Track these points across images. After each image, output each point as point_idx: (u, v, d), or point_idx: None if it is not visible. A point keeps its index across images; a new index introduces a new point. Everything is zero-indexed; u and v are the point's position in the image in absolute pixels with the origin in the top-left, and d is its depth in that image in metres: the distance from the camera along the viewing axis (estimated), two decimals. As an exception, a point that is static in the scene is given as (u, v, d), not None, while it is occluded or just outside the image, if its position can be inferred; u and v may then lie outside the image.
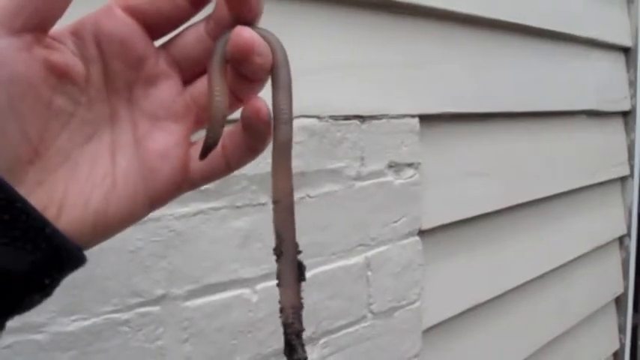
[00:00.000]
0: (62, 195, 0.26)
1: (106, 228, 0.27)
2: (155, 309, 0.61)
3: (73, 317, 0.56)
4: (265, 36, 0.27)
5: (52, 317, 0.54)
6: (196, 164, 0.29)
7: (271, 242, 0.29)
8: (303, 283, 0.28)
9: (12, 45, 0.23)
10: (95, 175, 0.27)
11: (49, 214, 0.25)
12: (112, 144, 0.28)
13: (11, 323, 0.54)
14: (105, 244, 0.28)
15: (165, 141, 0.28)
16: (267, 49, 0.27)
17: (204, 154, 0.27)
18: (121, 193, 0.27)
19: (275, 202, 0.29)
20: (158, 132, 0.28)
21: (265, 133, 0.28)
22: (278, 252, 0.28)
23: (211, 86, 0.27)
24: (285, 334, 0.28)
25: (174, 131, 0.29)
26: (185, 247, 0.64)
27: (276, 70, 0.28)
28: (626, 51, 1.58)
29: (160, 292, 0.62)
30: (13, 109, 0.23)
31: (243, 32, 0.26)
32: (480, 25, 1.05)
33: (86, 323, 0.56)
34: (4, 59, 0.23)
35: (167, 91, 0.28)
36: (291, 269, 0.28)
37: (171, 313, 0.63)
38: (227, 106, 0.27)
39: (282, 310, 0.28)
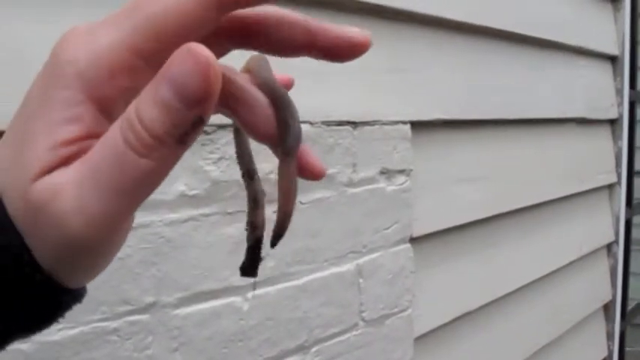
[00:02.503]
0: None
1: None
2: (144, 317, 0.60)
3: (60, 326, 0.54)
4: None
5: (38, 326, 0.53)
6: None
7: (263, 249, 0.29)
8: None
9: None
10: None
11: None
12: None
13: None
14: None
15: None
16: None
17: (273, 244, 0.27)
18: None
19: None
20: None
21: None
22: (254, 174, 0.29)
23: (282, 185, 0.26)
24: (258, 248, 0.29)
25: None
26: (175, 254, 0.62)
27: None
28: (613, 59, 1.59)
29: (149, 299, 0.60)
30: None
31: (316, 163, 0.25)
32: (472, 32, 1.05)
33: (73, 332, 0.55)
34: None
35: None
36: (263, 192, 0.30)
37: (161, 321, 0.61)
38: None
39: (256, 228, 0.29)
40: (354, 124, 0.81)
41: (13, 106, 0.21)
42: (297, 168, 0.25)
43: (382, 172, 0.86)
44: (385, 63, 0.88)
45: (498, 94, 1.13)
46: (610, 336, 1.70)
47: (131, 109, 0.18)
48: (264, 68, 0.25)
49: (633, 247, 1.84)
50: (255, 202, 0.29)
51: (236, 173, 0.68)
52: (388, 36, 0.88)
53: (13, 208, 0.20)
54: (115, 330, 0.58)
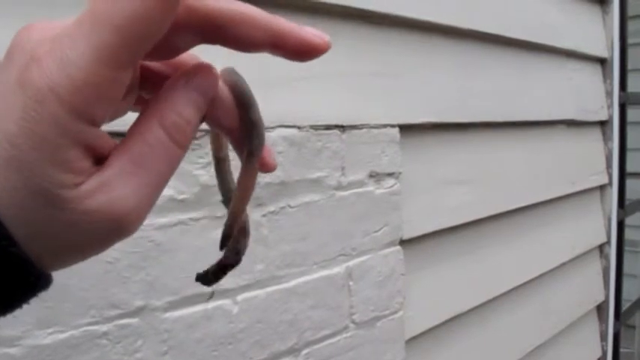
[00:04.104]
0: None
1: None
2: (134, 321, 0.61)
3: (50, 330, 0.55)
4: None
5: (28, 330, 0.53)
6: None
7: (253, 252, 0.29)
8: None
9: None
10: None
11: None
12: None
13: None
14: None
15: None
16: None
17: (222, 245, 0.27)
18: None
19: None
20: None
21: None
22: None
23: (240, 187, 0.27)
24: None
25: None
26: (164, 258, 0.63)
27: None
28: (602, 62, 1.61)
29: (139, 303, 0.61)
30: None
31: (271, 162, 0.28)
32: (461, 36, 1.06)
33: (63, 336, 0.56)
34: None
35: None
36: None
37: (151, 324, 0.62)
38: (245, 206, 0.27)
39: (238, 252, 0.29)
40: (342, 128, 0.82)
41: None
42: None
43: (371, 176, 0.87)
44: (373, 67, 0.89)
45: (487, 96, 1.14)
46: (604, 337, 1.70)
47: (170, 115, 0.22)
48: (233, 72, 0.26)
49: (626, 248, 1.85)
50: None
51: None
52: (375, 40, 0.89)
53: None
54: (105, 334, 0.58)
